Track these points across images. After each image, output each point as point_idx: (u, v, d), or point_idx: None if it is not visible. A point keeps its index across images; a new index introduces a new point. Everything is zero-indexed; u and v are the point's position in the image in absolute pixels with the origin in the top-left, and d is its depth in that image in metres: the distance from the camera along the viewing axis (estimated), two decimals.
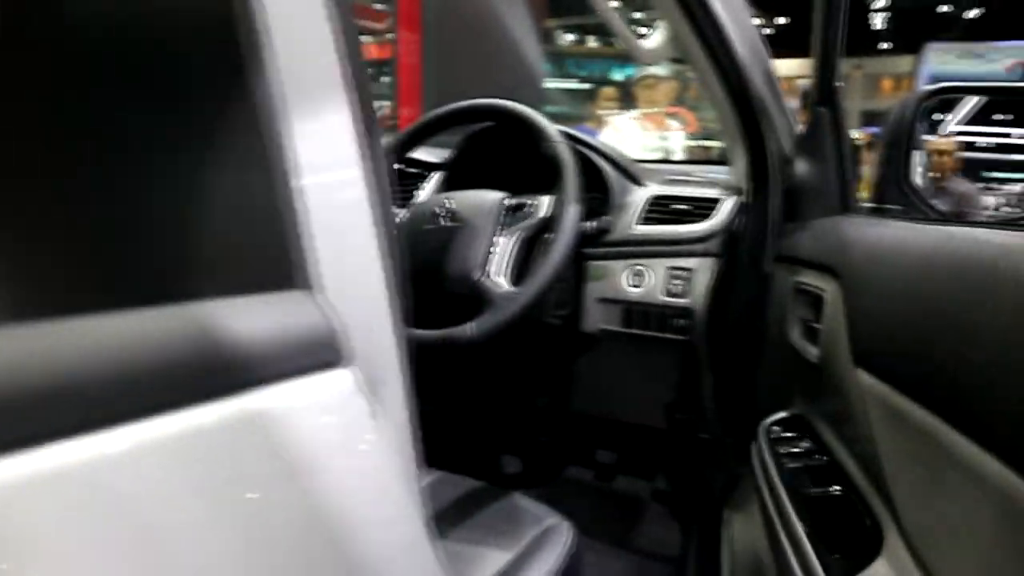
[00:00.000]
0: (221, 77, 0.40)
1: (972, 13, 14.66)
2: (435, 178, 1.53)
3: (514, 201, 1.15)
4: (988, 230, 0.61)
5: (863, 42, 15.66)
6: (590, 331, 1.32)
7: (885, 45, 16.74)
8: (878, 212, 0.99)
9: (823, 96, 1.05)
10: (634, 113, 3.26)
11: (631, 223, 1.31)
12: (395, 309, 0.37)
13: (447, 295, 1.15)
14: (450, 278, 1.13)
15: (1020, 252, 0.48)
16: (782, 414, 0.98)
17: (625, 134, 3.16)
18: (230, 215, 0.42)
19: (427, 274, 1.16)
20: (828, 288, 0.84)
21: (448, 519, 1.06)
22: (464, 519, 1.06)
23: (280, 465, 0.36)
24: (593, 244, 1.31)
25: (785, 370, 1.05)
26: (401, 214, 1.25)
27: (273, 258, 0.40)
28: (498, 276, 1.11)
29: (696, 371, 1.30)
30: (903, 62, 14.05)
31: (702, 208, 1.29)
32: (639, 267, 1.29)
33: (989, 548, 0.45)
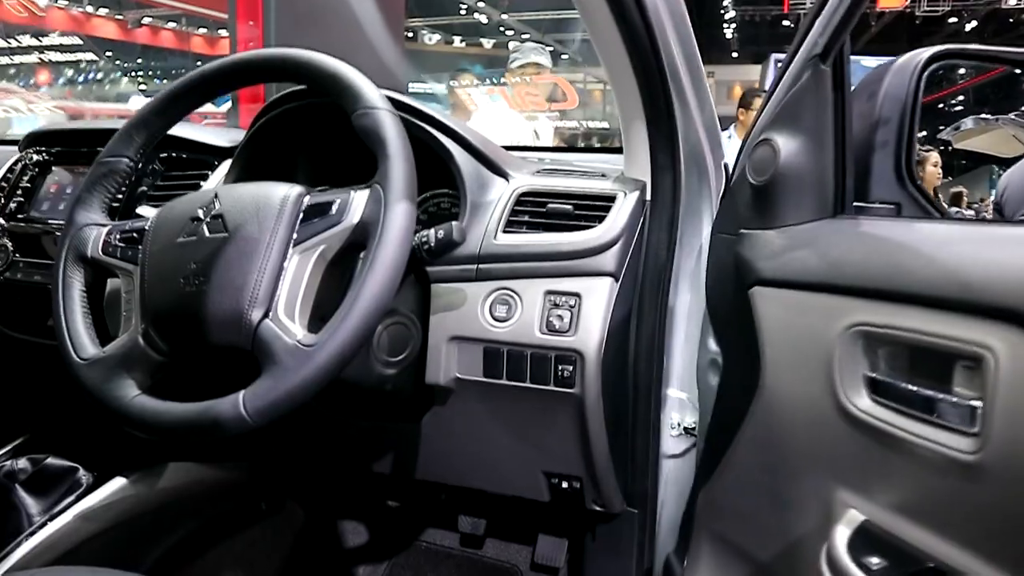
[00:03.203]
0: None
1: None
2: (223, 168, 1.10)
3: (315, 199, 0.75)
4: None
5: (715, 51, 16.42)
6: (440, 383, 0.94)
7: (734, 54, 17.66)
8: (869, 212, 0.68)
9: (828, 50, 0.72)
10: (505, 90, 2.87)
11: (493, 230, 0.94)
12: None
13: (210, 347, 0.74)
14: (213, 321, 0.72)
15: None
16: (846, 529, 0.66)
17: (496, 118, 2.75)
18: None
19: (180, 314, 0.74)
20: (1000, 346, 0.52)
21: None
22: None
23: None
24: (439, 260, 0.92)
25: (824, 449, 0.74)
26: (147, 220, 0.82)
27: None
28: (287, 317, 0.71)
29: (586, 431, 0.95)
30: (752, 70, 14.78)
31: (591, 208, 0.94)
32: (505, 293, 0.92)
33: None
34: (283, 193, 0.75)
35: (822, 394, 0.70)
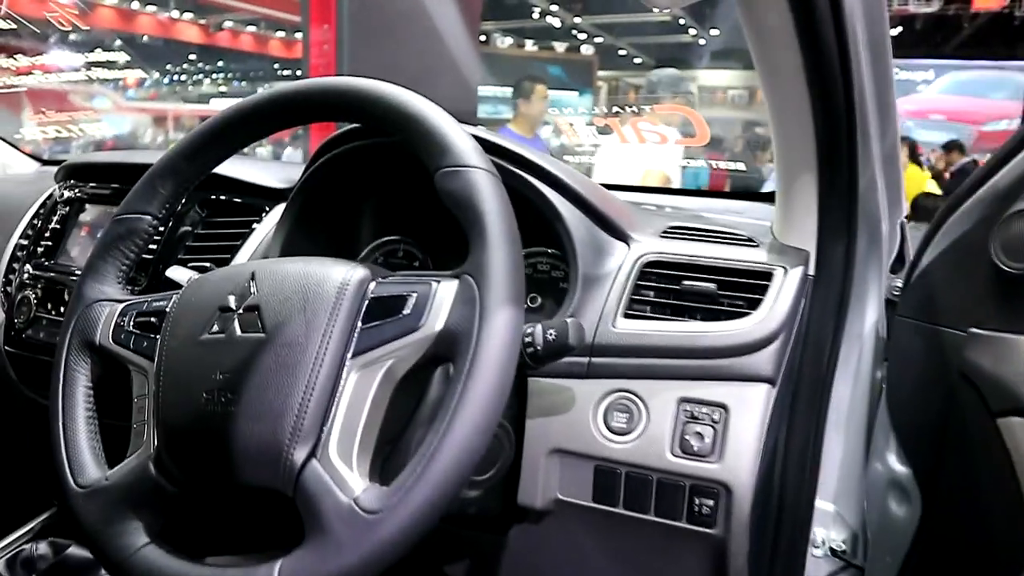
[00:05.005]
0: None
1: (894, 31, 14.93)
2: (275, 214, 0.91)
3: (383, 290, 0.55)
4: None
5: None
6: (536, 506, 0.73)
7: None
8: None
9: None
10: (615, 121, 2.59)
11: (611, 313, 0.72)
12: None
13: (239, 488, 0.54)
14: (243, 454, 0.53)
15: None
16: None
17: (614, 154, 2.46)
18: None
19: (201, 440, 0.55)
20: None
21: None
22: None
23: None
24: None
25: None
26: (170, 300, 0.63)
27: None
28: (341, 460, 0.51)
29: (725, 573, 0.72)
30: None
31: (739, 287, 0.72)
32: (626, 397, 0.70)
33: None
34: (340, 278, 0.55)
35: None
